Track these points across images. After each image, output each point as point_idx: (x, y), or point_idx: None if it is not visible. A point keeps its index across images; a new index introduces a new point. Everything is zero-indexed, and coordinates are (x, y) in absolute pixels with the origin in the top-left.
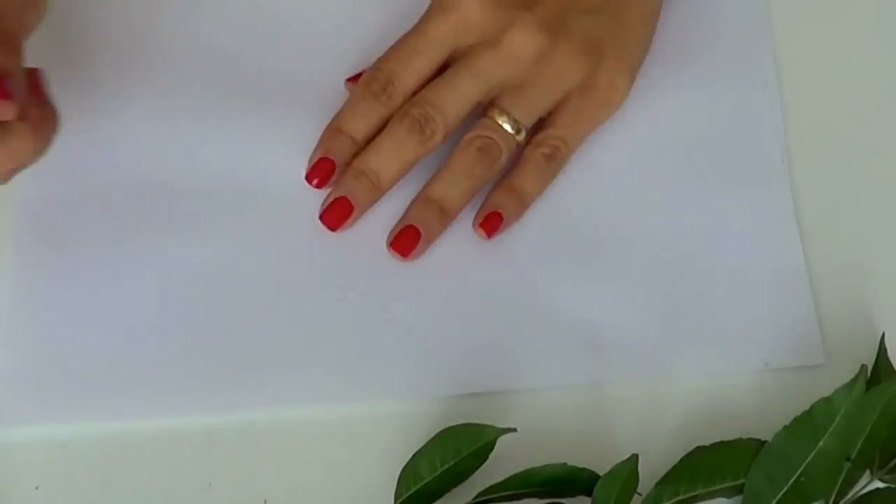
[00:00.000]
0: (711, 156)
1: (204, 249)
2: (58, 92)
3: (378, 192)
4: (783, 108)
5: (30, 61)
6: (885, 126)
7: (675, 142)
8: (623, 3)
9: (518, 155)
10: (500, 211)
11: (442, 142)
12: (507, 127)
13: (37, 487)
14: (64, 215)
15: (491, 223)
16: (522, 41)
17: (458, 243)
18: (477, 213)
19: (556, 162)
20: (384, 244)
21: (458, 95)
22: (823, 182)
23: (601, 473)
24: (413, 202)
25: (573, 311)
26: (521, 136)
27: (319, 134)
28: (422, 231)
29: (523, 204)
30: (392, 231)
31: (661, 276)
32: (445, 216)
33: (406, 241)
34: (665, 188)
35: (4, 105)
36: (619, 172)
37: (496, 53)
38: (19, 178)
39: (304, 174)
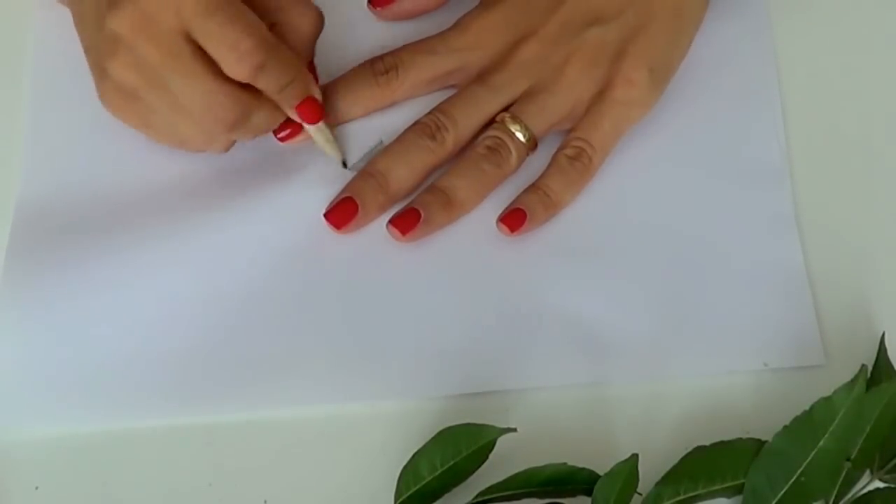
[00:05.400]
0: (712, 157)
1: (203, 249)
2: (60, 93)
3: (383, 193)
4: (784, 109)
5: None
6: (885, 127)
7: (677, 144)
8: (646, 3)
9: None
10: (522, 207)
11: (453, 151)
12: (518, 132)
13: (37, 487)
14: (64, 215)
15: (513, 218)
16: (534, 56)
17: (458, 244)
18: (502, 211)
19: (581, 162)
20: (384, 243)
21: (470, 106)
22: (823, 183)
23: (601, 473)
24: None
25: (573, 310)
26: (531, 142)
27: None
28: (422, 213)
29: (550, 203)
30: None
31: (661, 276)
32: (451, 205)
33: (405, 220)
34: (665, 189)
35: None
36: (619, 173)
37: (509, 68)
38: (18, 179)
39: (309, 173)
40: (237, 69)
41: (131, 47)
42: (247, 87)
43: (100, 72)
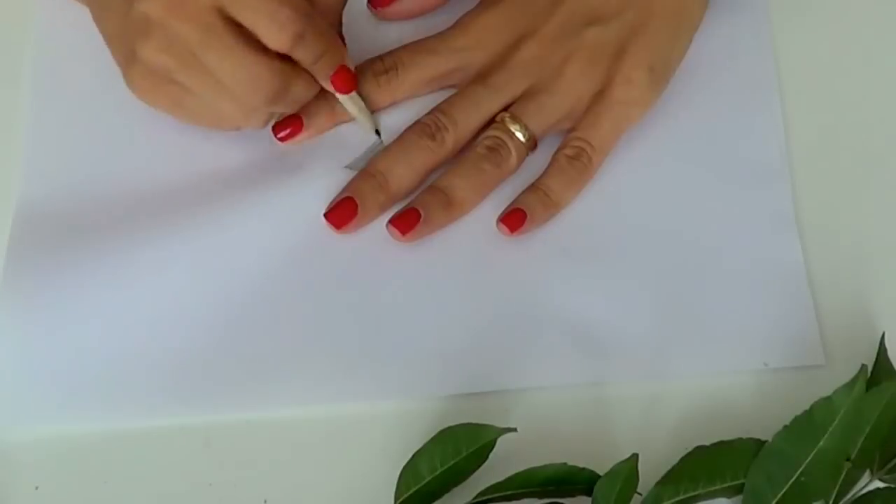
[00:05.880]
0: (712, 157)
1: (203, 250)
2: (60, 93)
3: (383, 193)
4: (784, 109)
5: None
6: (885, 127)
7: (676, 144)
8: (645, 3)
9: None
10: (522, 208)
11: (453, 150)
12: (517, 132)
13: (37, 487)
14: (64, 215)
15: (513, 219)
16: (533, 56)
17: (458, 244)
18: (502, 211)
19: (581, 162)
20: (384, 243)
21: (470, 106)
22: (823, 183)
23: (601, 473)
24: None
25: (573, 310)
26: (531, 142)
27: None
28: (422, 213)
29: (550, 203)
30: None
31: (661, 276)
32: (451, 206)
33: (405, 220)
34: (666, 189)
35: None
36: (619, 174)
37: (508, 68)
38: (19, 178)
39: (309, 173)
40: (277, 39)
41: (164, 28)
42: (283, 59)
43: (128, 57)
